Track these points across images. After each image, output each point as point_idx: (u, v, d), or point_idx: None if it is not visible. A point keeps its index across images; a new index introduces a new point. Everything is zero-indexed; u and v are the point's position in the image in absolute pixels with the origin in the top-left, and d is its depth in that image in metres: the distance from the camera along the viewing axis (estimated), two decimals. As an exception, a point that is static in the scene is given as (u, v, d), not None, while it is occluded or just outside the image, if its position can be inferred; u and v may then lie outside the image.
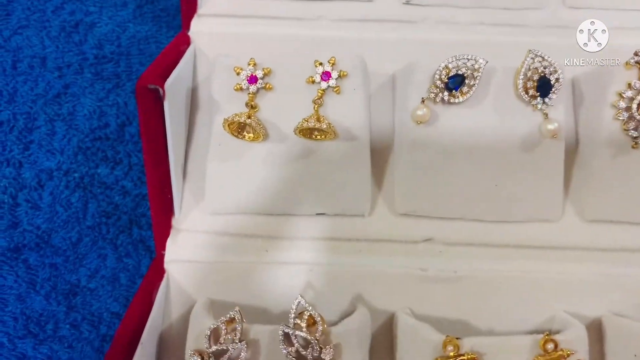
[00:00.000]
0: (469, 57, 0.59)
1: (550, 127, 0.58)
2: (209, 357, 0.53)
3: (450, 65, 0.59)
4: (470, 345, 0.54)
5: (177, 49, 0.65)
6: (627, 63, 0.59)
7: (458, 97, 0.59)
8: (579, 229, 0.63)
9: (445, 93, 0.59)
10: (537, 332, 0.59)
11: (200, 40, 0.68)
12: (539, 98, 0.59)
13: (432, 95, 0.59)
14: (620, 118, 0.59)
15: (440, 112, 0.60)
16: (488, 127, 0.60)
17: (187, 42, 0.67)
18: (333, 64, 0.61)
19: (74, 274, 0.70)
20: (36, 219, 0.71)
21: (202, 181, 0.63)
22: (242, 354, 0.53)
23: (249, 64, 0.61)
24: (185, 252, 0.63)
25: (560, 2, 0.69)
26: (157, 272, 0.62)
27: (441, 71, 0.59)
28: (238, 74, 0.61)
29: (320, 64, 0.61)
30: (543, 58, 0.59)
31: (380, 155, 0.65)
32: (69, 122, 0.74)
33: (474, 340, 0.55)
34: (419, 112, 0.59)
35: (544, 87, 0.59)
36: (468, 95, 0.59)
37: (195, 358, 0.53)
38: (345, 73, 0.61)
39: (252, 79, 0.61)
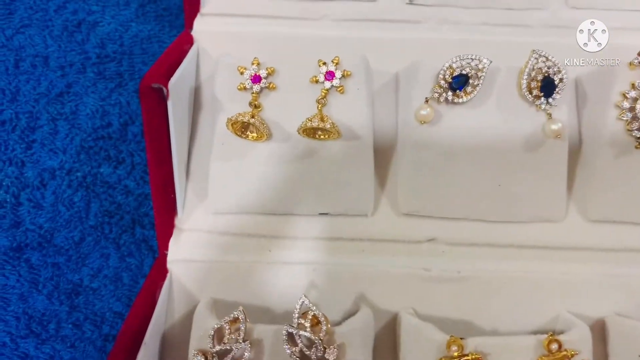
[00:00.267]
0: (473, 57, 0.59)
1: (554, 127, 0.58)
2: (213, 357, 0.53)
3: (454, 65, 0.59)
4: (474, 345, 0.54)
5: (180, 49, 0.65)
6: (630, 63, 0.59)
7: (462, 97, 0.59)
8: (583, 229, 0.63)
9: (449, 93, 0.59)
10: (541, 332, 0.59)
11: (203, 39, 0.67)
12: (542, 98, 0.59)
13: (436, 95, 0.59)
14: (624, 118, 0.59)
15: (443, 112, 0.60)
16: (491, 127, 0.60)
17: (190, 41, 0.67)
18: (337, 64, 0.61)
19: (77, 274, 0.69)
20: (39, 218, 0.71)
21: (205, 181, 0.63)
22: (246, 353, 0.53)
23: (253, 64, 0.61)
24: (188, 252, 0.62)
25: (562, 3, 0.69)
26: (160, 271, 0.62)
27: (445, 71, 0.59)
28: (242, 73, 0.61)
29: (324, 63, 0.61)
30: (547, 58, 0.59)
31: (383, 155, 0.65)
32: (72, 122, 0.74)
33: (478, 340, 0.55)
34: (423, 112, 0.59)
35: (547, 87, 0.59)
36: (472, 95, 0.59)
37: (199, 358, 0.53)
38: (349, 73, 0.61)
39: (256, 79, 0.61)
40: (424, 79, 0.61)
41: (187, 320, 0.59)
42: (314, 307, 0.54)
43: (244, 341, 0.53)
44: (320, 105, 0.60)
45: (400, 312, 0.60)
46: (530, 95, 0.59)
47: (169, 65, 0.60)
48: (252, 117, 0.59)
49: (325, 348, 0.52)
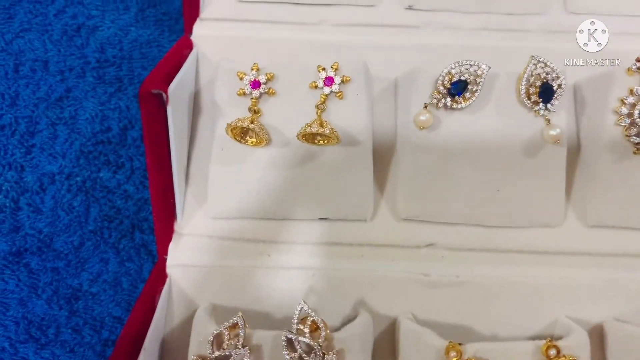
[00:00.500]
0: (472, 63, 0.59)
1: (553, 132, 0.58)
2: (212, 362, 0.53)
3: (453, 71, 0.59)
4: (473, 351, 0.54)
5: (179, 53, 0.65)
6: (629, 69, 0.60)
7: (461, 103, 0.59)
8: (581, 234, 0.63)
9: (448, 99, 0.59)
10: (540, 337, 0.59)
11: (202, 44, 0.68)
12: (541, 104, 0.59)
13: (435, 101, 0.60)
14: (622, 124, 0.59)
15: (442, 118, 0.60)
16: (490, 132, 0.60)
17: (189, 46, 0.67)
18: (336, 69, 0.61)
19: (76, 278, 0.69)
20: (38, 223, 0.71)
21: (205, 185, 0.63)
22: (245, 359, 0.53)
23: (252, 69, 0.61)
24: (188, 257, 0.62)
25: (562, 8, 0.69)
26: (159, 276, 0.62)
27: (444, 77, 0.59)
28: (241, 78, 0.61)
29: (323, 69, 0.61)
30: (545, 64, 0.59)
31: (382, 160, 0.65)
32: (71, 126, 0.74)
33: (477, 346, 0.55)
34: (422, 118, 0.59)
35: (546, 93, 0.59)
36: (471, 101, 0.59)
37: (198, 363, 0.53)
38: (348, 78, 0.61)
39: (255, 84, 0.61)
40: (423, 84, 0.61)
41: (187, 325, 0.59)
42: (313, 313, 0.54)
43: (243, 347, 0.53)
44: (319, 111, 0.60)
45: (399, 317, 0.60)
46: (528, 101, 0.60)
47: (168, 70, 0.61)
48: (252, 122, 0.59)
49: (324, 354, 0.52)
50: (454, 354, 0.53)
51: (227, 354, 0.53)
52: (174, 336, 0.61)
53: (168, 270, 0.62)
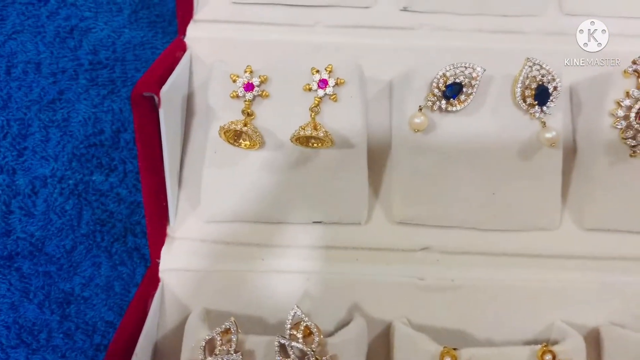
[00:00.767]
0: (467, 65, 0.58)
1: (549, 135, 0.58)
2: (204, 368, 0.52)
3: (447, 74, 0.58)
4: (468, 356, 0.54)
5: (172, 55, 0.64)
6: (625, 71, 0.59)
7: (455, 106, 0.59)
8: (577, 238, 0.63)
9: (443, 101, 0.59)
10: (536, 341, 0.59)
11: (196, 46, 0.67)
12: (537, 107, 0.59)
13: (430, 103, 0.59)
14: (618, 127, 0.59)
15: (437, 120, 0.60)
16: (486, 135, 0.60)
17: (183, 48, 0.67)
18: (330, 72, 0.60)
19: (68, 283, 0.69)
20: (30, 227, 0.71)
21: (198, 189, 0.62)
22: (238, 365, 0.52)
23: (246, 71, 0.61)
24: (181, 261, 0.62)
25: (557, 9, 0.69)
26: (152, 280, 0.61)
27: (439, 79, 0.59)
28: (234, 81, 0.61)
29: (317, 71, 0.60)
30: (541, 66, 0.59)
31: (377, 163, 0.65)
32: (64, 129, 0.74)
33: (472, 351, 0.55)
34: (417, 120, 0.59)
35: (541, 95, 0.59)
36: (466, 103, 0.59)
37: (190, 369, 0.52)
38: (342, 81, 0.60)
39: (249, 87, 0.60)
40: (418, 87, 0.60)
41: (179, 330, 0.59)
42: (307, 318, 0.53)
43: (235, 352, 0.52)
44: (313, 114, 0.59)
45: (393, 322, 0.59)
46: (524, 104, 0.59)
47: (161, 72, 0.60)
48: (245, 125, 0.58)
49: (317, 359, 0.52)
50: (449, 359, 0.53)
51: (220, 359, 0.52)
52: (167, 341, 0.61)
53: (161, 274, 0.62)
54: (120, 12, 0.79)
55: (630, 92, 0.58)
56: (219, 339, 0.53)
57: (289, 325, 0.53)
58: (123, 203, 0.71)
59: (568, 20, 0.68)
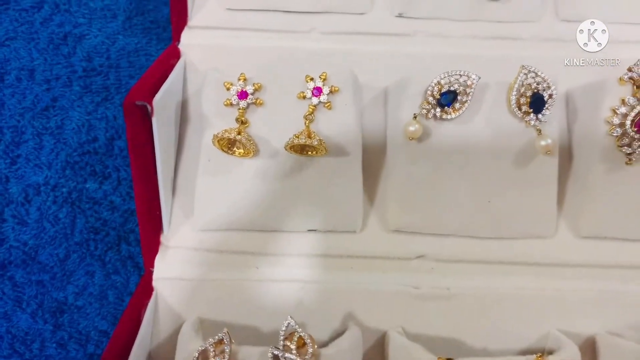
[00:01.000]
0: (462, 73, 0.58)
1: (544, 143, 0.58)
2: (197, 379, 0.52)
3: (442, 82, 0.58)
4: (463, 366, 0.54)
5: (166, 63, 0.64)
6: (620, 79, 0.59)
7: (450, 114, 0.59)
8: (573, 245, 0.62)
9: (438, 109, 0.59)
10: (531, 350, 0.59)
11: (190, 52, 0.67)
12: (532, 114, 0.58)
13: (424, 111, 0.59)
14: (614, 134, 0.58)
15: (432, 128, 0.60)
16: (481, 143, 0.59)
17: (177, 55, 0.66)
18: (324, 79, 0.60)
19: (61, 291, 0.68)
20: (23, 235, 0.70)
21: (192, 197, 0.62)
22: (231, 376, 0.52)
23: (239, 79, 0.61)
24: (174, 269, 0.62)
25: (553, 16, 0.69)
26: (146, 289, 0.61)
27: (433, 87, 0.58)
28: (228, 89, 0.60)
29: (312, 79, 0.60)
30: (536, 74, 0.58)
31: (372, 171, 0.64)
32: (57, 136, 0.73)
33: (467, 361, 0.54)
34: (411, 128, 0.58)
35: (537, 103, 0.58)
36: (460, 111, 0.58)
37: (183, 380, 0.52)
38: (336, 88, 0.60)
39: (242, 95, 0.60)
40: (413, 94, 0.60)
41: (173, 339, 0.58)
42: (300, 329, 0.53)
43: (228, 363, 0.52)
44: (307, 122, 0.59)
45: (388, 332, 0.59)
46: (519, 112, 0.59)
47: (154, 80, 0.60)
48: (239, 133, 0.58)
49: (311, 370, 0.52)
50: (444, 369, 0.53)
51: (213, 370, 0.52)
52: (160, 351, 0.60)
53: (154, 283, 0.61)
54: (115, 19, 0.78)
55: (626, 100, 0.58)
56: (212, 349, 0.53)
57: (282, 336, 0.52)
58: (117, 211, 0.71)
59: (564, 26, 0.68)
